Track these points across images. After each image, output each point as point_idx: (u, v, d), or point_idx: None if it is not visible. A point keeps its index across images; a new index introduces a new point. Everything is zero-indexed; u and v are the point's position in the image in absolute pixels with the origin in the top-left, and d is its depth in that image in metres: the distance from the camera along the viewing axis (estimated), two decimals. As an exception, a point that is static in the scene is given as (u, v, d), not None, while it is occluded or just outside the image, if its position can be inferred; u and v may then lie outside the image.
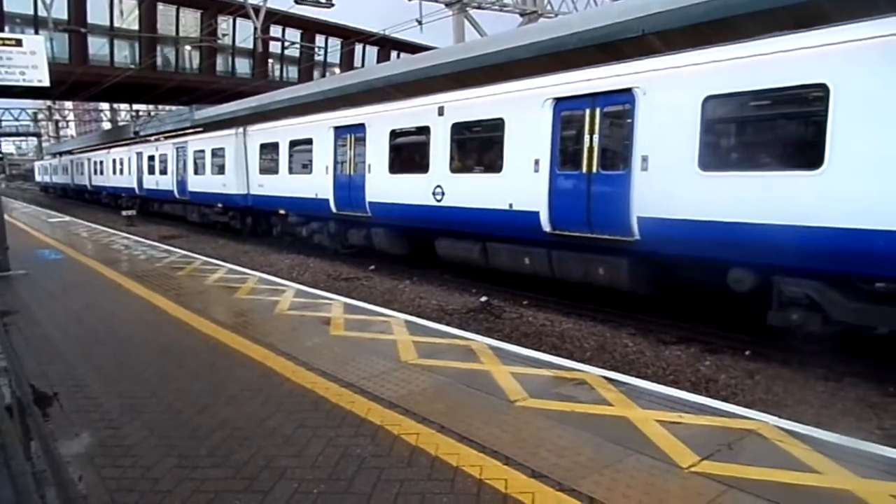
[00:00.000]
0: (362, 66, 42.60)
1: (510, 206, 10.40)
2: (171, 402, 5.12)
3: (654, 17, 11.12)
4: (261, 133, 18.60)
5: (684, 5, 10.72)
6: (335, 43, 44.00)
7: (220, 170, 20.66)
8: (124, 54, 37.59)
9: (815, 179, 6.89)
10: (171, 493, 3.69)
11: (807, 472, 3.75)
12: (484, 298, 11.12)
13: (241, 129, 19.49)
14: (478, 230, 11.30)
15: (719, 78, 7.75)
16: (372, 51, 45.76)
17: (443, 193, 11.76)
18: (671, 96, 8.24)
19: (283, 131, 17.42)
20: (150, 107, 57.45)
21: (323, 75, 42.48)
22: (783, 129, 7.84)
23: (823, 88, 6.80)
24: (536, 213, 9.94)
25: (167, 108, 49.58)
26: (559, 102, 9.69)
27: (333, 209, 15.03)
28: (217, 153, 20.95)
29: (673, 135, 8.19)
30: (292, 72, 44.88)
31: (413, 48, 38.77)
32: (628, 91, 8.70)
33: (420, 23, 23.33)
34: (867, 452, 4.04)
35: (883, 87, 6.42)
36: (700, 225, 7.89)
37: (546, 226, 9.88)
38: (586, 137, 9.28)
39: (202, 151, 22.20)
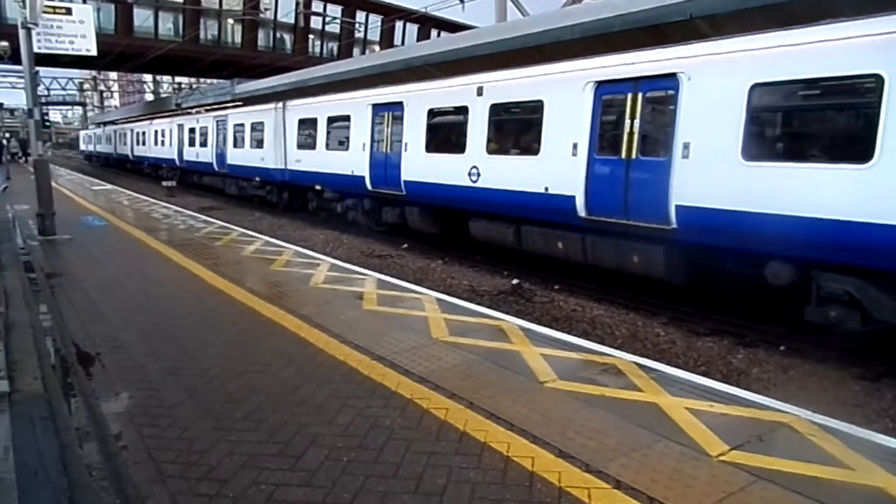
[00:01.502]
0: (402, 43, 42.51)
1: (546, 189, 10.31)
2: (208, 367, 5.27)
3: (702, 1, 10.85)
4: (299, 108, 18.69)
5: None
6: (375, 20, 43.95)
7: (259, 144, 20.86)
8: (168, 27, 38.15)
9: (863, 173, 6.67)
10: (207, 454, 3.82)
11: (839, 467, 3.69)
12: (515, 281, 11.11)
13: (280, 104, 19.58)
14: (512, 212, 11.25)
15: (767, 65, 7.54)
16: (412, 29, 45.63)
17: (478, 174, 11.71)
18: (717, 83, 8.04)
19: (321, 107, 17.49)
20: (192, 79, 58.25)
21: (363, 52, 42.52)
22: (832, 120, 7.65)
23: (878, 79, 6.56)
24: (572, 198, 9.84)
25: (209, 81, 50.22)
26: (601, 86, 9.53)
27: (369, 186, 15.09)
28: (256, 127, 21.14)
29: (717, 122, 8.00)
30: (332, 48, 45.00)
31: (454, 27, 38.53)
32: (672, 76, 8.53)
33: (462, 1, 23.14)
34: (903, 451, 3.96)
35: None
36: (740, 216, 7.71)
37: (581, 210, 9.77)
38: (627, 122, 9.12)
39: (241, 125, 22.42)
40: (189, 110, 32.28)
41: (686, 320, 8.99)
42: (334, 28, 44.08)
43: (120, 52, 34.27)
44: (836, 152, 7.15)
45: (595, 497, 3.38)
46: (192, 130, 27.95)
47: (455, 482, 3.53)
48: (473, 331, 6.37)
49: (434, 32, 45.15)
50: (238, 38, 40.96)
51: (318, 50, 44.53)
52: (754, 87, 7.63)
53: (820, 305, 7.48)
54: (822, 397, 6.52)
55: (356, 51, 44.32)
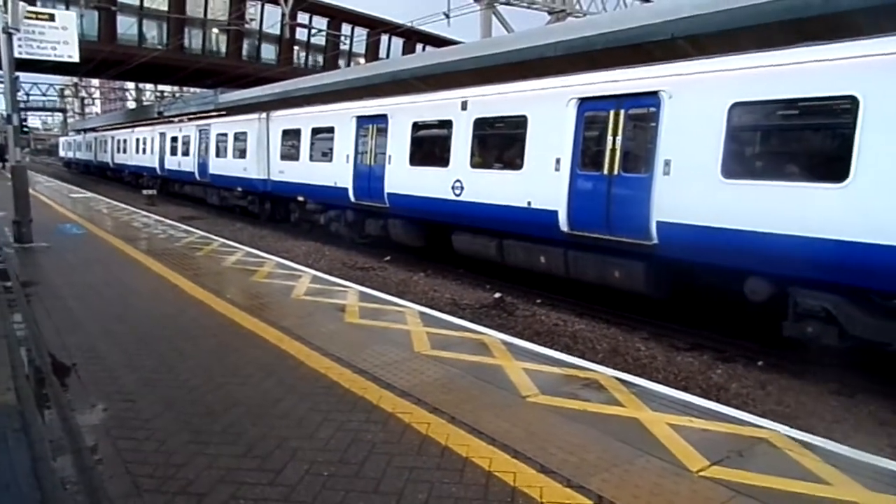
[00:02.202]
0: (387, 57, 42.64)
1: (529, 203, 10.36)
2: (186, 379, 5.20)
3: (684, 21, 11.03)
4: (283, 119, 18.67)
5: (715, 10, 10.62)
6: (361, 33, 44.09)
7: (242, 154, 20.78)
8: (152, 34, 37.93)
9: (839, 192, 6.81)
10: (185, 467, 3.76)
11: (816, 482, 3.73)
12: (497, 295, 11.13)
13: (264, 115, 19.56)
14: (495, 226, 11.29)
15: (747, 85, 7.69)
16: (397, 42, 45.81)
17: (462, 188, 11.73)
18: (697, 101, 8.18)
19: (305, 118, 17.48)
20: (175, 88, 57.92)
21: (348, 64, 42.60)
22: (809, 139, 7.82)
23: (852, 101, 6.73)
24: (555, 213, 9.91)
25: (192, 89, 49.95)
26: (584, 102, 9.64)
27: (352, 198, 15.07)
28: (239, 137, 21.06)
29: (697, 140, 8.12)
30: (317, 60, 45.03)
31: (439, 41, 38.80)
32: (654, 94, 8.65)
33: (448, 16, 23.32)
34: (878, 467, 4.01)
35: None
36: (720, 232, 7.81)
37: (564, 225, 9.84)
38: (609, 139, 9.22)
39: (224, 135, 22.34)
40: (171, 119, 32.08)
41: (666, 335, 9.05)
42: (320, 40, 44.13)
43: (103, 58, 34.00)
44: (813, 171, 7.28)
45: (576, 513, 3.38)
46: (174, 139, 27.76)
47: (436, 497, 3.51)
48: (456, 344, 6.36)
49: (419, 46, 45.39)
50: (223, 48, 40.84)
51: (302, 61, 44.52)
52: (734, 106, 7.76)
53: (797, 321, 7.56)
54: (799, 412, 6.61)
55: (341, 63, 44.39)
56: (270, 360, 5.71)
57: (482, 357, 5.99)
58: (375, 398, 4.87)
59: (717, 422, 4.62)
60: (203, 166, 24.25)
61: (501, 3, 24.32)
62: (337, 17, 43.29)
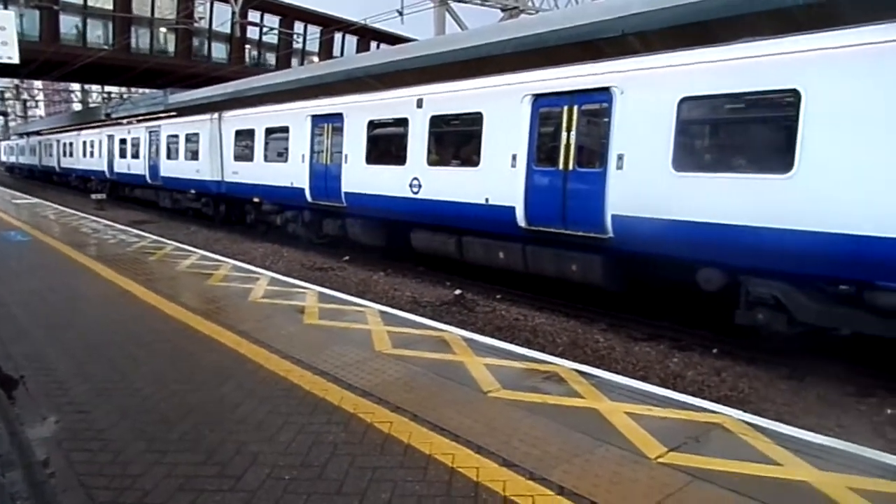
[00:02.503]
0: (341, 55, 42.27)
1: (486, 200, 10.43)
2: (141, 387, 5.07)
3: (634, 18, 11.21)
4: (236, 119, 18.36)
5: (664, 7, 10.83)
6: (314, 31, 43.55)
7: (194, 155, 20.37)
8: (97, 34, 36.75)
9: (785, 183, 7.05)
10: (142, 477, 3.67)
11: (768, 464, 3.86)
12: (458, 291, 11.16)
13: (216, 115, 19.21)
14: (453, 223, 11.31)
15: (695, 80, 7.88)
16: (352, 40, 45.40)
17: (419, 186, 11.73)
18: (648, 96, 8.35)
19: (259, 118, 17.22)
20: (123, 89, 56.34)
21: (301, 63, 42.07)
22: (755, 132, 7.99)
23: (795, 94, 6.96)
24: (512, 208, 9.99)
25: (141, 90, 48.67)
26: (538, 99, 9.74)
27: (309, 198, 14.93)
28: (191, 138, 20.64)
29: (648, 134, 8.30)
30: (270, 58, 44.34)
31: (394, 39, 38.60)
32: (606, 90, 8.79)
33: (401, 14, 23.22)
34: (826, 447, 4.17)
35: (852, 95, 6.59)
36: (672, 224, 8.00)
37: (521, 221, 9.94)
38: (564, 134, 9.35)
39: (176, 136, 21.87)
40: (120, 120, 31.20)
41: (624, 326, 9.22)
42: (272, 38, 43.45)
43: (45, 59, 32.80)
44: (759, 163, 7.50)
45: (539, 504, 3.42)
46: (122, 141, 27.04)
47: (400, 496, 3.50)
48: (417, 342, 6.35)
49: (374, 45, 45.10)
50: (171, 47, 39.87)
51: (255, 60, 43.78)
52: (683, 100, 7.94)
53: (748, 309, 7.78)
54: (752, 397, 6.82)
55: (294, 62, 43.80)
56: (228, 365, 5.61)
57: (443, 354, 6.00)
58: (337, 399, 4.83)
59: (675, 409, 4.73)
60: (154, 169, 23.66)
61: (454, 1, 24.34)
62: (289, 14, 42.67)
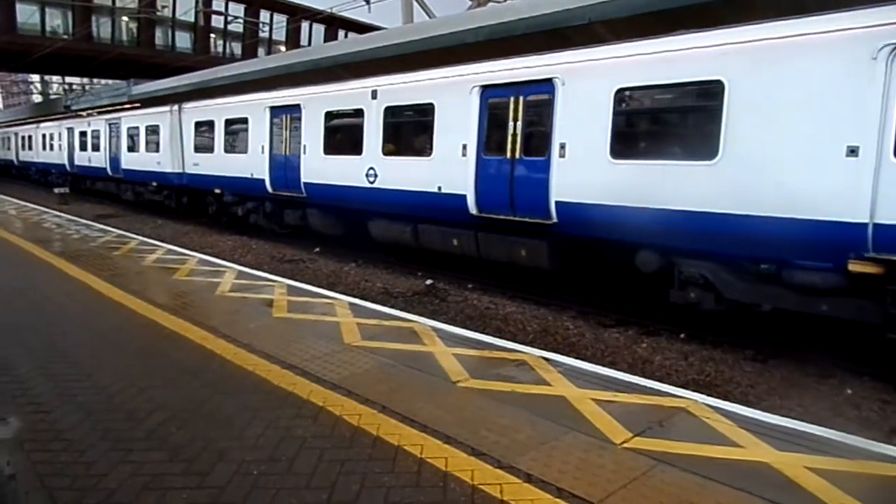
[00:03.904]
0: (309, 44, 41.77)
1: (439, 188, 10.71)
2: (106, 385, 4.99)
3: (597, 9, 11.40)
4: (196, 111, 18.39)
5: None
6: (281, 19, 42.91)
7: (155, 147, 20.27)
8: (56, 23, 35.77)
9: (710, 169, 7.48)
10: (106, 477, 3.61)
11: (730, 446, 3.96)
12: (429, 282, 11.18)
13: (176, 107, 19.18)
14: (409, 212, 11.57)
15: (630, 72, 8.31)
16: (319, 29, 44.89)
17: (376, 175, 11.96)
18: (587, 87, 8.74)
19: (218, 110, 17.30)
20: (85, 80, 55.01)
21: (268, 52, 41.44)
22: (685, 121, 8.52)
23: (719, 85, 7.38)
24: (464, 196, 10.29)
25: (104, 81, 47.57)
26: (486, 90, 10.08)
27: (269, 189, 15.08)
28: (151, 130, 20.54)
29: (587, 124, 8.69)
30: (236, 48, 43.61)
31: (361, 28, 38.25)
32: (549, 81, 9.15)
33: (368, 2, 23.01)
34: (786, 428, 4.29)
35: (770, 86, 7.03)
36: (611, 209, 8.39)
37: (472, 208, 10.24)
38: (510, 124, 9.70)
39: (136, 128, 21.71)
40: (80, 113, 30.52)
41: (593, 313, 9.33)
42: (238, 27, 42.72)
43: (2, 49, 31.87)
44: (688, 150, 7.93)
45: (507, 492, 3.45)
46: (83, 134, 26.69)
47: (369, 487, 3.51)
48: (387, 334, 6.36)
49: (341, 33, 44.62)
50: (135, 37, 38.97)
51: (220, 50, 43.01)
52: (619, 91, 8.38)
53: (681, 289, 8.27)
54: (718, 380, 6.97)
55: (261, 51, 43.15)
56: (195, 361, 5.55)
57: (413, 345, 6.01)
58: (305, 393, 4.81)
59: (641, 395, 4.81)
60: (115, 161, 23.42)
61: (422, -12, 24.17)
62: (254, 3, 41.95)
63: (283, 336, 6.25)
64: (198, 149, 18.08)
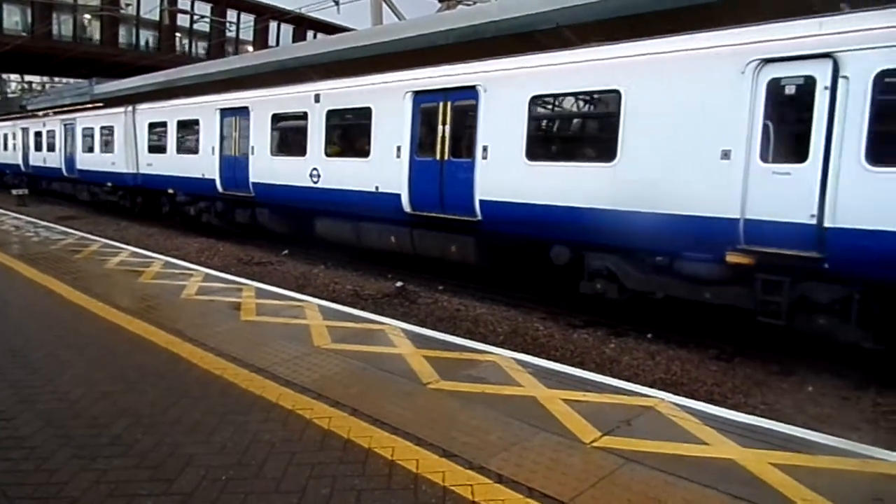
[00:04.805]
0: (277, 44, 41.33)
1: (377, 188, 11.25)
2: (68, 391, 4.87)
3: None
4: (150, 112, 18.71)
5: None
6: (248, 19, 42.42)
7: (110, 148, 20.33)
8: (15, 20, 34.88)
9: (611, 170, 8.22)
10: (68, 485, 3.53)
11: (696, 443, 4.03)
12: (399, 284, 11.17)
13: (130, 108, 19.41)
14: (350, 210, 12.10)
15: (542, 80, 9.00)
16: (287, 29, 44.50)
17: (319, 176, 12.49)
18: (506, 94, 9.37)
19: (171, 111, 17.64)
20: (45, 78, 53.66)
21: (235, 52, 40.92)
22: (589, 126, 9.42)
23: (617, 94, 8.15)
24: (398, 196, 10.86)
25: (65, 80, 46.40)
26: (417, 95, 10.69)
27: (220, 189, 15.48)
28: (106, 131, 20.57)
29: (506, 128, 9.30)
30: (203, 48, 42.97)
31: (330, 29, 38.05)
32: (473, 88, 9.79)
33: (337, 3, 22.89)
34: (750, 425, 4.39)
35: (658, 95, 7.76)
36: (527, 207, 9.05)
37: (407, 207, 10.82)
38: (440, 128, 10.31)
39: (91, 129, 21.74)
40: (36, 113, 29.90)
41: (563, 314, 9.42)
42: (204, 27, 42.10)
43: (-44, 47, 30.94)
44: (592, 153, 8.74)
45: (478, 493, 3.46)
46: (38, 134, 26.45)
47: (340, 491, 3.49)
48: (357, 336, 6.33)
49: (310, 34, 44.31)
50: (97, 35, 38.13)
51: (186, 49, 42.34)
52: (533, 98, 9.05)
53: (590, 280, 8.93)
54: (684, 378, 7.08)
55: (228, 50, 42.58)
56: (160, 365, 5.45)
57: (384, 347, 6.00)
58: (274, 396, 4.76)
59: (609, 394, 4.87)
60: (70, 161, 23.33)
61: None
62: (221, 2, 41.42)
63: (252, 339, 6.18)
64: (151, 149, 18.42)
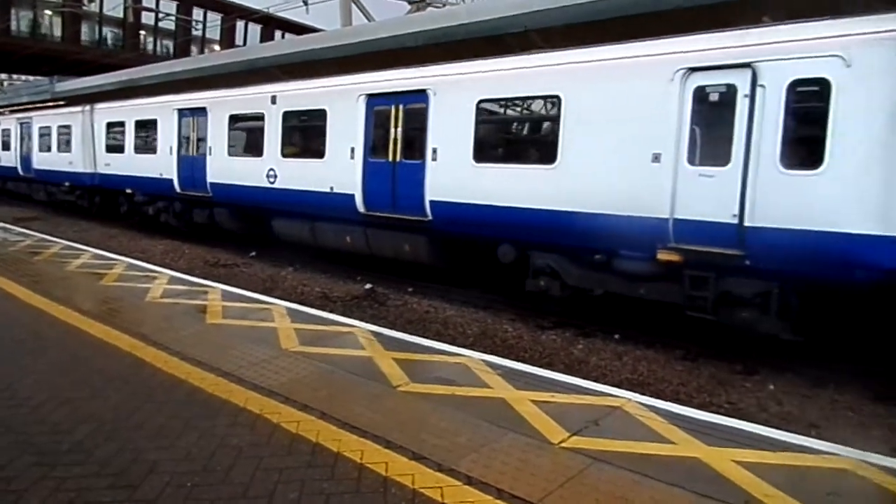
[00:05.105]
0: (244, 44, 40.83)
1: (331, 188, 11.44)
2: (27, 396, 4.73)
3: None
4: (108, 112, 18.60)
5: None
6: (215, 18, 41.80)
7: (67, 147, 20.07)
8: (-30, 15, 33.80)
9: (552, 172, 8.57)
10: (27, 493, 3.43)
11: (663, 443, 4.10)
12: (368, 286, 11.13)
13: (87, 107, 19.24)
14: (306, 210, 12.26)
15: (489, 85, 9.35)
16: (255, 29, 44.00)
17: (275, 176, 12.65)
18: (454, 98, 9.68)
19: (129, 111, 17.59)
20: (3, 76, 52.17)
21: (201, 51, 40.31)
22: (532, 130, 9.82)
23: (558, 99, 8.53)
24: (352, 196, 11.10)
25: (24, 78, 45.15)
26: (371, 98, 10.95)
27: (177, 189, 15.50)
28: (63, 130, 20.30)
29: (455, 131, 9.62)
30: (169, 46, 42.23)
31: (299, 29, 37.67)
32: (423, 92, 10.09)
33: (306, 3, 22.73)
34: (715, 424, 4.48)
35: (595, 101, 8.13)
36: (475, 208, 9.35)
37: (361, 207, 11.07)
38: (392, 130, 10.62)
39: (48, 128, 21.45)
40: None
41: (532, 316, 9.48)
42: (170, 25, 41.39)
43: None
44: (535, 156, 9.11)
45: (448, 495, 3.47)
46: None
47: (308, 495, 3.46)
48: (325, 339, 6.28)
49: (278, 34, 43.87)
50: (59, 32, 37.20)
51: (151, 47, 41.56)
52: (480, 102, 9.39)
53: (534, 277, 9.25)
54: (651, 378, 7.19)
55: (194, 49, 41.92)
56: (123, 370, 5.34)
57: (353, 350, 5.97)
58: (241, 400, 4.70)
59: (577, 395, 4.92)
60: (26, 161, 22.96)
61: (360, -9, 23.97)
62: (186, 1, 40.77)
63: (218, 343, 6.09)
64: (109, 149, 18.30)
